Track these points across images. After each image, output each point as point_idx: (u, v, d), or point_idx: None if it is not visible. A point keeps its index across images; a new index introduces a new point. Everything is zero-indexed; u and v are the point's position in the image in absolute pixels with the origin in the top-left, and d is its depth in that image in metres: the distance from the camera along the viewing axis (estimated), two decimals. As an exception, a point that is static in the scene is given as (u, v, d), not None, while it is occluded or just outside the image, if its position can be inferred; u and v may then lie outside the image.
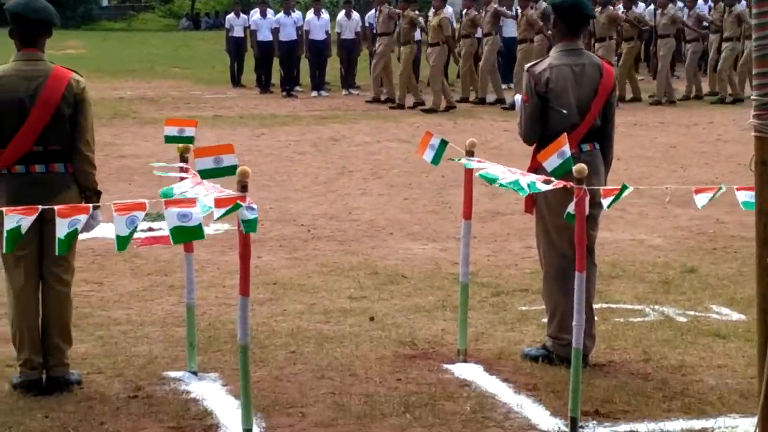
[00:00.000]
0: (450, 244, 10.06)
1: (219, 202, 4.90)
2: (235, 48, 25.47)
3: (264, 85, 24.27)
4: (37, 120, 5.79)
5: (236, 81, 25.55)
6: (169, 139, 6.22)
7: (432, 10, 21.45)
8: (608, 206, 5.50)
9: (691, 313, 7.74)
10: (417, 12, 21.82)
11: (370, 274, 8.94)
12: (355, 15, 24.50)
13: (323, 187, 12.99)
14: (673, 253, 9.70)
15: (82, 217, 4.91)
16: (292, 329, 7.23)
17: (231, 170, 5.13)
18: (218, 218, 4.85)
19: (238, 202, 4.81)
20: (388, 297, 8.22)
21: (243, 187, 4.95)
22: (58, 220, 4.80)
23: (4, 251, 5.09)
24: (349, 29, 23.71)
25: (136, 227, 4.75)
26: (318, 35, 23.62)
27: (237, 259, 9.25)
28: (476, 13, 21.66)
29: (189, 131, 6.20)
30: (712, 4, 23.49)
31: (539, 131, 6.46)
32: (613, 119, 6.69)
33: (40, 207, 4.82)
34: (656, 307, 7.89)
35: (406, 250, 9.84)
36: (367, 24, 24.79)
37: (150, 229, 9.86)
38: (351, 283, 8.63)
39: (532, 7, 20.94)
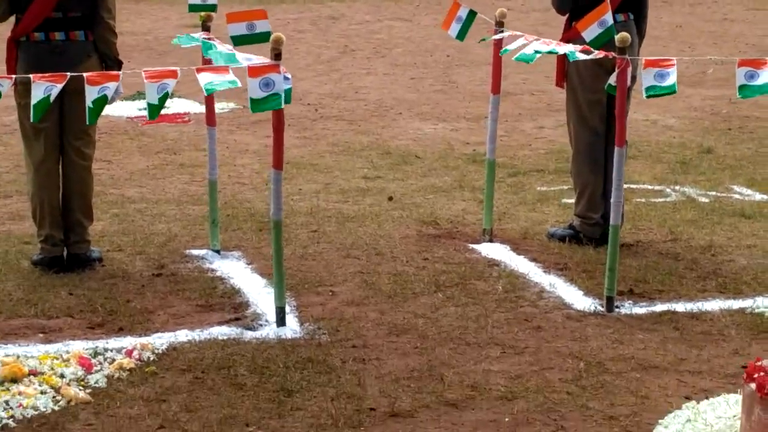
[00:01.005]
0: (460, 124, 9.90)
1: (253, 71, 4.70)
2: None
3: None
4: (58, -17, 5.55)
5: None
6: (193, 8, 5.98)
7: None
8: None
9: (713, 193, 7.61)
10: None
11: (382, 153, 8.78)
12: None
13: (326, 66, 12.76)
14: (688, 133, 9.56)
15: (111, 85, 4.74)
16: (311, 208, 7.08)
17: (264, 37, 4.92)
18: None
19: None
20: (402, 177, 8.07)
21: (277, 55, 4.75)
22: (88, 88, 4.61)
23: (31, 120, 4.88)
24: None
25: (166, 95, 4.57)
26: None
27: (244, 138, 9.31)
28: None
29: (211, -1, 5.95)
30: None
31: (572, 1, 6.22)
32: None
33: (69, 74, 4.62)
34: (677, 187, 7.76)
35: (417, 130, 9.67)
36: None
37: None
38: (364, 163, 8.47)
39: None
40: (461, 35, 6.34)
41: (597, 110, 6.25)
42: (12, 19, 5.76)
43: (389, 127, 9.80)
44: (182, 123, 9.75)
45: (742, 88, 5.06)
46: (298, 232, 6.51)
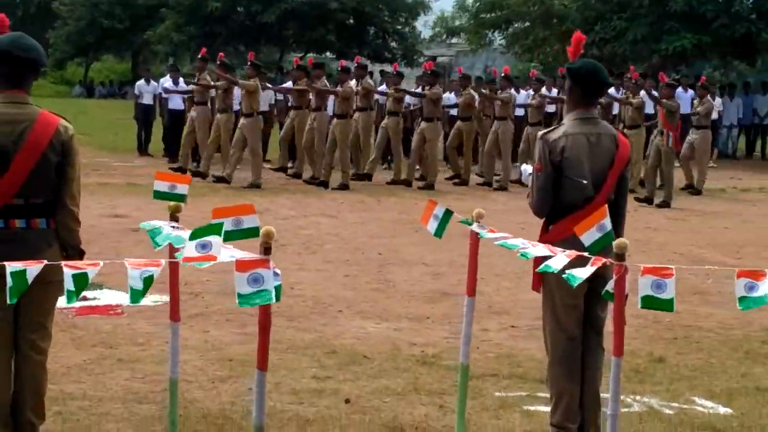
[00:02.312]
0: (402, 324, 9.65)
1: (241, 265, 4.43)
2: (144, 115, 24.88)
3: (173, 154, 23.56)
4: (21, 169, 5.22)
5: (143, 149, 24.90)
6: (159, 195, 5.72)
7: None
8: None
9: (675, 404, 7.40)
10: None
11: (328, 353, 8.47)
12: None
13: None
14: (635, 341, 9.38)
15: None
16: (267, 410, 6.68)
17: (253, 232, 4.67)
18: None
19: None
20: (353, 378, 7.75)
21: (266, 250, 4.50)
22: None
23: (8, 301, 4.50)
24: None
25: (151, 278, 4.26)
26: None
27: (182, 332, 8.90)
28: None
29: (181, 188, 5.71)
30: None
31: (551, 203, 6.08)
32: (627, 194, 6.35)
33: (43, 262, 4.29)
34: (636, 397, 7.54)
35: (359, 329, 9.38)
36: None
37: (85, 299, 9.33)
38: (311, 362, 8.15)
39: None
40: (439, 233, 6.16)
41: (574, 315, 6.07)
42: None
43: (330, 324, 9.50)
44: (115, 315, 9.35)
45: (742, 299, 4.90)
46: (259, 437, 6.10)
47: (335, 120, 20.23)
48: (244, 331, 9.11)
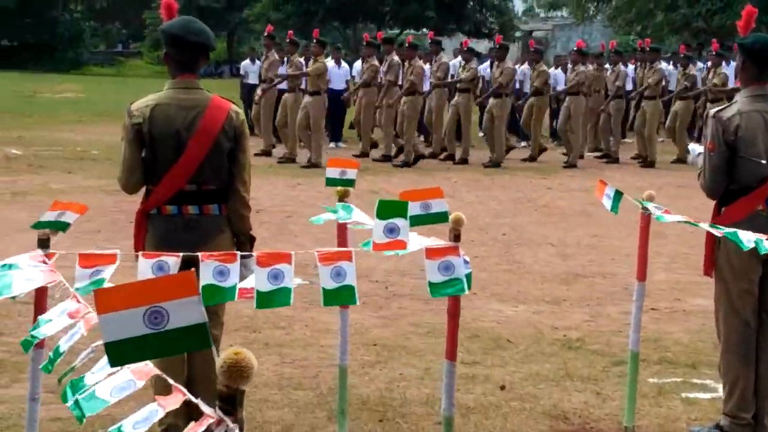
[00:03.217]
0: (540, 307, 9.48)
1: (431, 253, 4.30)
2: (249, 95, 24.81)
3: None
4: (194, 155, 5.15)
5: (250, 128, 24.88)
6: (331, 182, 5.64)
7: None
8: None
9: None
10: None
11: (470, 337, 8.33)
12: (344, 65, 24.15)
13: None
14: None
15: (232, 267, 4.31)
16: (427, 397, 6.59)
17: (442, 217, 4.54)
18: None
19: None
20: (501, 363, 7.62)
21: (456, 237, 4.37)
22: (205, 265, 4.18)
23: None
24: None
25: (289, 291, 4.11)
26: (337, 84, 23.06)
27: (322, 317, 8.86)
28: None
29: (351, 173, 5.63)
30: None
31: (725, 183, 5.84)
32: None
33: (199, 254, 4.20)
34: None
35: (497, 312, 9.23)
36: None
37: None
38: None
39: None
40: (614, 209, 5.98)
41: (750, 301, 5.85)
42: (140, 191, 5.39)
43: (467, 308, 9.32)
44: (250, 298, 9.29)
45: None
46: (423, 425, 6.01)
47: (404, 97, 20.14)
48: (381, 314, 9.03)
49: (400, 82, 20.35)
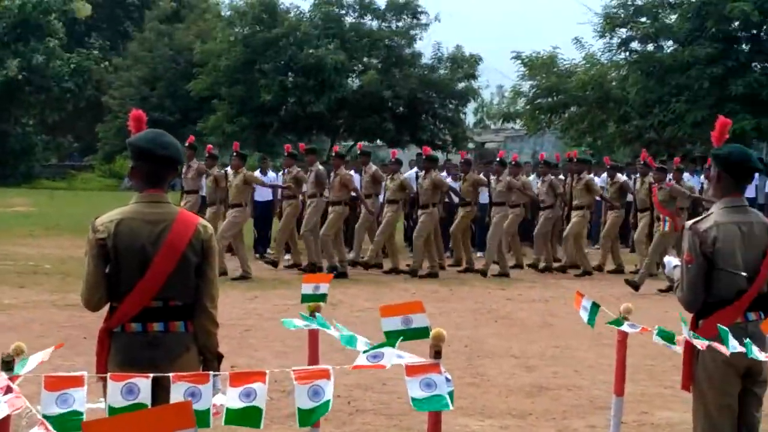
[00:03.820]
0: (506, 421, 9.32)
1: (411, 370, 4.17)
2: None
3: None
4: (160, 270, 5.00)
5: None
6: (306, 298, 5.50)
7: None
8: None
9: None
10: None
11: (438, 454, 8.12)
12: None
13: (342, 354, 12.11)
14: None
15: (204, 388, 4.15)
16: None
17: (423, 332, 4.42)
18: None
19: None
20: (469, 480, 7.43)
21: (437, 353, 4.24)
22: (176, 386, 4.02)
23: None
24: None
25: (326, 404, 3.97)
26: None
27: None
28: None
29: (323, 288, 5.50)
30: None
31: (703, 296, 5.75)
32: None
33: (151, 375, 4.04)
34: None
35: (464, 427, 9.06)
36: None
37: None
38: (422, 464, 7.82)
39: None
40: (591, 321, 5.88)
41: (728, 415, 5.73)
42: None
43: (433, 423, 9.16)
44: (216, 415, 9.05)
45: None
46: None
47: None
48: (344, 430, 8.84)
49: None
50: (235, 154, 19.94)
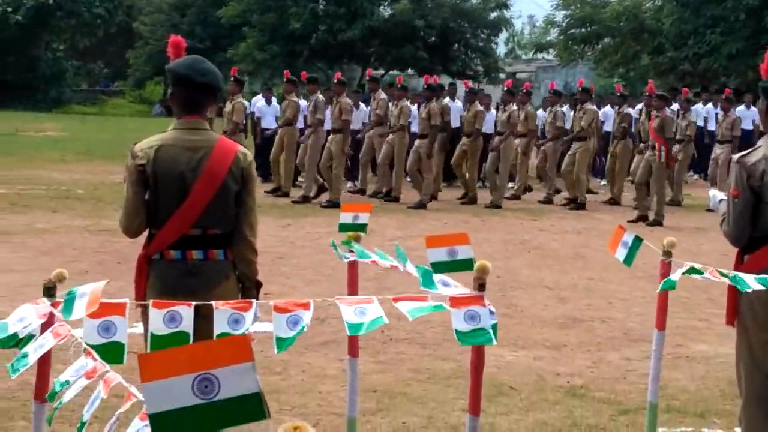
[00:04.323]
0: (540, 352, 9.29)
1: (455, 302, 4.12)
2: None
3: (265, 173, 23.21)
4: (199, 198, 4.95)
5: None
6: (344, 227, 5.45)
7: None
8: None
9: None
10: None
11: (472, 383, 8.12)
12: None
13: (375, 282, 12.15)
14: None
15: (247, 315, 4.11)
16: (434, 452, 6.39)
17: (467, 264, 4.36)
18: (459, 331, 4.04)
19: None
20: (506, 411, 7.42)
21: (481, 286, 4.18)
22: (219, 313, 3.98)
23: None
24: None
25: (302, 329, 3.91)
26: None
27: (317, 361, 8.64)
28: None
29: (363, 218, 5.44)
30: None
31: (749, 230, 5.65)
32: None
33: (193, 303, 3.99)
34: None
35: (498, 357, 9.02)
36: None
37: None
38: (457, 394, 7.81)
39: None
40: (628, 261, 5.78)
41: (771, 352, 5.66)
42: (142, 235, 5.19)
43: (467, 352, 9.08)
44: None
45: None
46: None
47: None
48: (379, 359, 8.83)
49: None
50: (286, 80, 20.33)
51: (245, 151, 5.16)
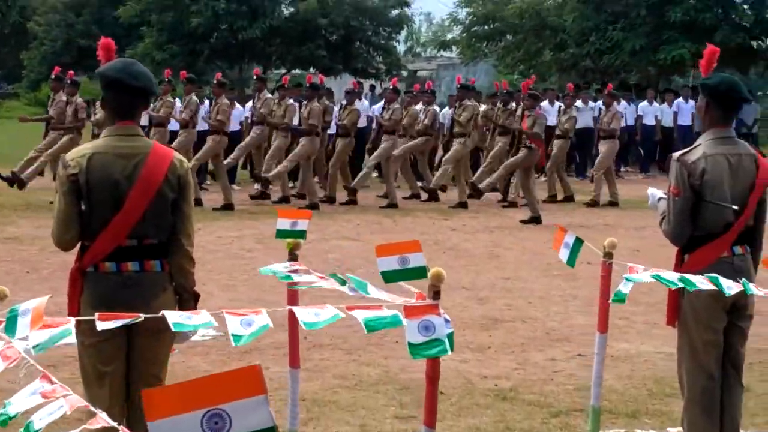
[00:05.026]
0: (465, 354, 9.22)
1: (410, 311, 4.00)
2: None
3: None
4: (135, 207, 4.76)
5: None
6: (282, 234, 5.30)
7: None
8: None
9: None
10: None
11: (400, 389, 8.04)
12: None
13: (307, 296, 11.99)
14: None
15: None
16: (370, 458, 6.26)
17: (420, 272, 4.24)
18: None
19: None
20: (438, 417, 7.25)
21: (436, 294, 4.07)
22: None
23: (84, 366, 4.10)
24: None
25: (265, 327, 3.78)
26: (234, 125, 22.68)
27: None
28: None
29: (302, 224, 5.30)
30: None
31: (690, 229, 5.62)
32: (765, 218, 5.90)
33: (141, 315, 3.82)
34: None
35: (423, 362, 8.88)
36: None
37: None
38: (386, 400, 7.72)
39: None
40: (571, 261, 5.72)
41: (713, 352, 5.65)
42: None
43: (392, 357, 9.05)
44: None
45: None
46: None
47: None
48: (304, 366, 8.65)
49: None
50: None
51: (181, 157, 4.98)
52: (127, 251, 4.82)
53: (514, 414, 7.46)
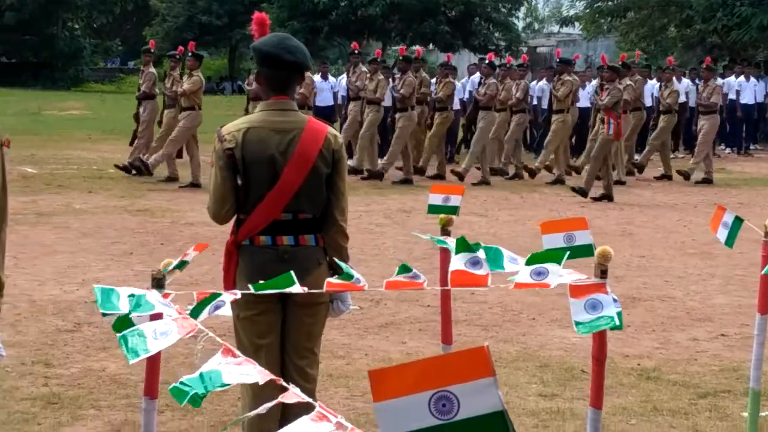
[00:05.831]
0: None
1: (576, 291, 3.89)
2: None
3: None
4: (290, 182, 4.72)
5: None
6: (433, 209, 5.22)
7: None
8: None
9: None
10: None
11: (540, 366, 7.92)
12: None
13: (423, 263, 11.91)
14: None
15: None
16: (518, 436, 6.16)
17: (586, 250, 4.12)
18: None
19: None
20: (581, 395, 7.18)
21: (603, 273, 3.95)
22: None
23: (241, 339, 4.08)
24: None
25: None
26: (326, 100, 22.79)
27: (381, 345, 8.43)
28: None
29: (455, 200, 5.20)
30: None
31: None
32: None
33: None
34: None
35: (562, 339, 8.79)
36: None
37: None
38: (528, 378, 7.61)
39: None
40: (729, 242, 5.54)
41: None
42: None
43: (530, 334, 8.94)
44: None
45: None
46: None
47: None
48: (439, 340, 8.60)
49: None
50: (191, 54, 18.60)
51: (335, 132, 4.93)
52: (283, 225, 4.78)
53: (659, 394, 7.30)
